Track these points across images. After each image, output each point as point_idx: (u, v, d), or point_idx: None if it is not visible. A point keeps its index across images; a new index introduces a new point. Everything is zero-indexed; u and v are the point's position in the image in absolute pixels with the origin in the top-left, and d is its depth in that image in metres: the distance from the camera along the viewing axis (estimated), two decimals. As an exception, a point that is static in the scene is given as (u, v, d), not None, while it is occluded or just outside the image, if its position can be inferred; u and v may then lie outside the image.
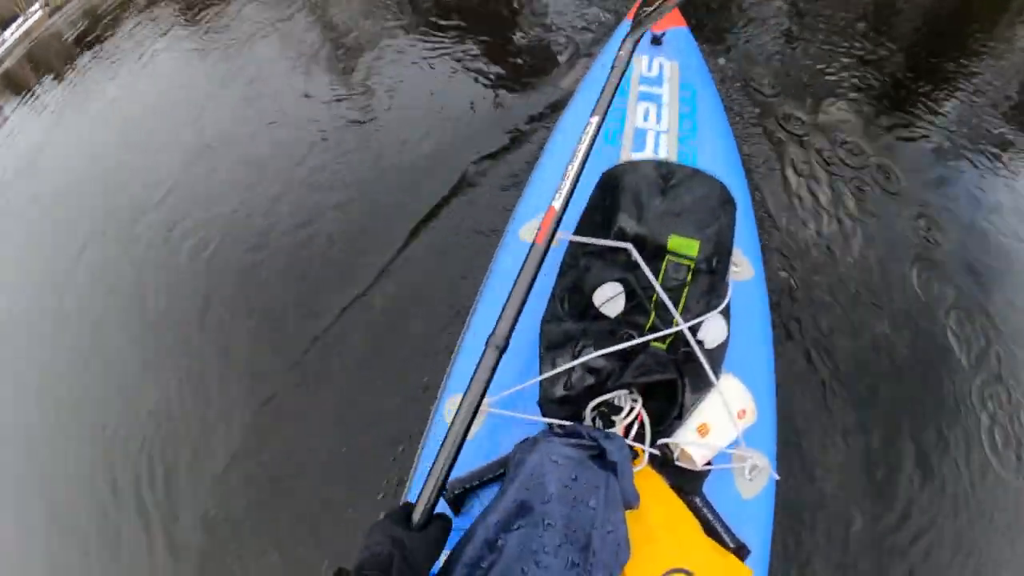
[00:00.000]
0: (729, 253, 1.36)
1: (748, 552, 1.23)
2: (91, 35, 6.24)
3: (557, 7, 3.52)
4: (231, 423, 2.06)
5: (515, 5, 3.67)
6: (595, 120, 1.28)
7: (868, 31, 3.17)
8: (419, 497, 0.98)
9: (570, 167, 1.22)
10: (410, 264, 2.24)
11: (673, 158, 1.73)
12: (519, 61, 3.16)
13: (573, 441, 1.09)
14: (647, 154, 1.75)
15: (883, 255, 2.18)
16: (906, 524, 1.72)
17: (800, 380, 1.86)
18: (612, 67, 1.41)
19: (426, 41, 3.48)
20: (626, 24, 2.33)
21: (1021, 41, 3.18)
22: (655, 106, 1.89)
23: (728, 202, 1.37)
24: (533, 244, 1.15)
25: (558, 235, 1.36)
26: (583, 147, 1.23)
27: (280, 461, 1.94)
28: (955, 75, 2.95)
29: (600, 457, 1.08)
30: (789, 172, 2.37)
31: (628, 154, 1.76)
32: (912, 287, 2.11)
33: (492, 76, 3.04)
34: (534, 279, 1.13)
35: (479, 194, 2.38)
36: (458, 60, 3.24)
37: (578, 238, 1.36)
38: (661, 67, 2.04)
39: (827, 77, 2.84)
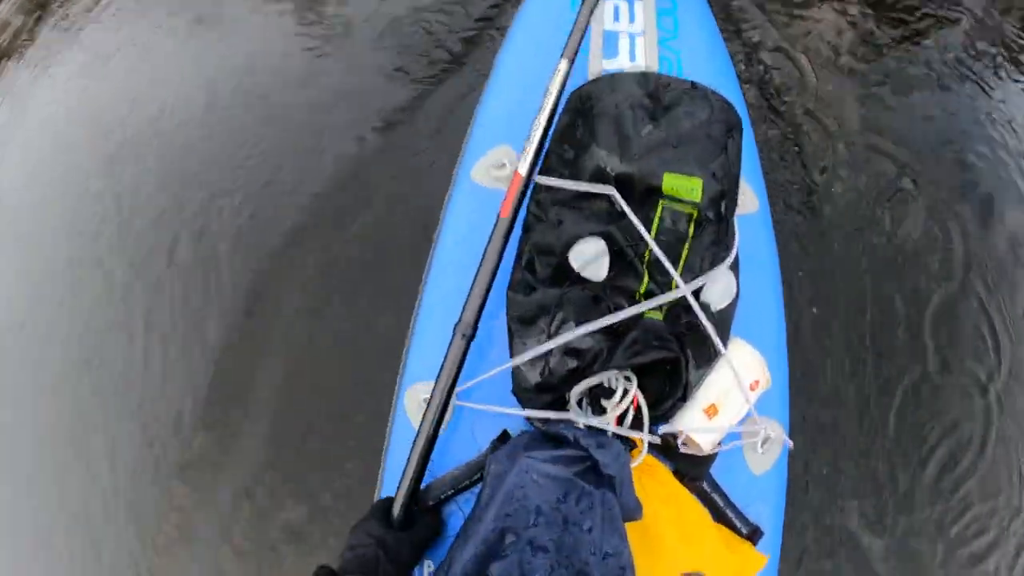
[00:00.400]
0: (737, 190, 1.10)
1: (762, 534, 1.08)
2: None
3: None
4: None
5: None
6: (564, 64, 1.08)
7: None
8: (395, 497, 0.97)
9: (536, 122, 1.05)
10: (349, 214, 1.89)
11: (653, 63, 1.43)
12: None
13: (558, 454, 0.88)
14: (621, 63, 1.44)
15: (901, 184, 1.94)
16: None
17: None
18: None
19: None
20: None
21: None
22: (627, 2, 1.55)
23: (735, 126, 1.10)
24: (498, 218, 1.02)
25: (520, 169, 1.09)
26: (550, 99, 1.05)
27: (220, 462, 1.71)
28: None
29: (593, 470, 0.87)
30: (784, 75, 2.05)
31: (598, 63, 1.45)
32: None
33: None
34: (501, 256, 1.01)
35: (413, 127, 1.99)
36: None
37: (545, 179, 1.08)
38: None
39: None
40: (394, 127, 1.97)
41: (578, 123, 1.09)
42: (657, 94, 1.08)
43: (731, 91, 1.49)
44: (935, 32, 2.22)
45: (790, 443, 1.13)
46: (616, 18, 1.52)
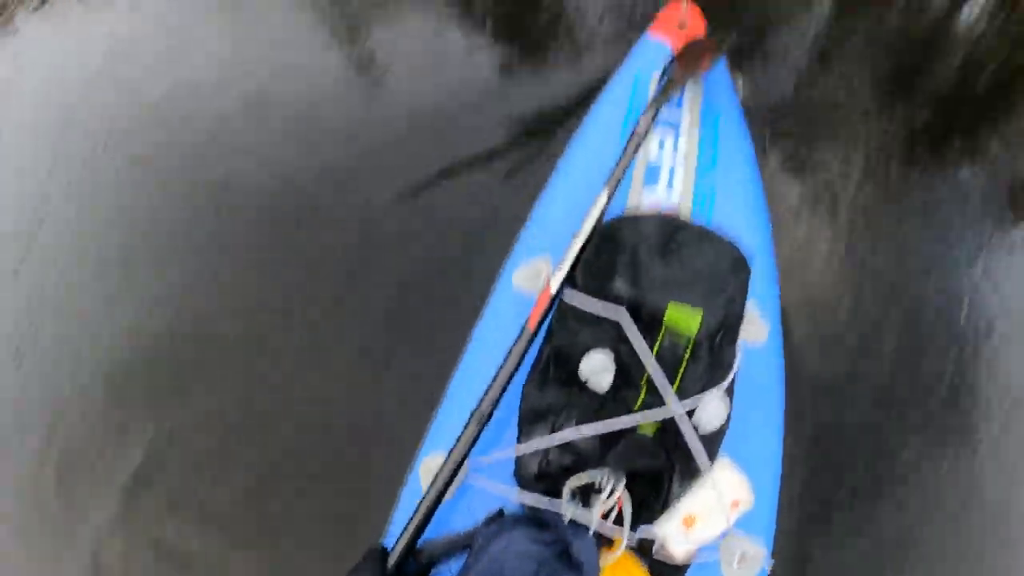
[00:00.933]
0: (738, 325, 1.24)
1: None
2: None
3: None
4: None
5: None
6: (603, 196, 1.27)
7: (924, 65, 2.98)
8: (394, 548, 1.08)
9: (571, 245, 1.23)
10: (398, 298, 2.10)
11: (688, 196, 1.61)
12: (537, 42, 2.97)
13: (540, 536, 1.01)
14: (659, 189, 1.63)
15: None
16: None
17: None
18: (628, 139, 1.38)
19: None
20: (644, 39, 2.17)
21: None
22: (672, 136, 1.74)
23: (741, 268, 1.24)
24: (524, 328, 1.19)
25: (552, 286, 1.27)
26: (587, 225, 1.24)
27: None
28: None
29: (567, 555, 1.00)
30: (818, 216, 2.20)
31: (639, 188, 1.63)
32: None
33: (501, 54, 2.83)
34: (522, 360, 1.18)
35: (477, 216, 2.21)
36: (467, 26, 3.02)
37: (570, 295, 1.26)
38: (682, 91, 1.89)
39: (872, 110, 2.66)
40: (454, 220, 2.20)
41: (603, 251, 1.27)
42: (673, 235, 1.25)
43: (760, 228, 1.65)
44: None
45: (770, 563, 1.21)
46: (661, 149, 1.72)
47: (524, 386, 1.24)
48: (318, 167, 2.44)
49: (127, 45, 3.51)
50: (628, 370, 1.17)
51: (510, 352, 1.18)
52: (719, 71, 2.00)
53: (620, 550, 1.11)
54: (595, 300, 1.22)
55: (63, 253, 2.41)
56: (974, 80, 3.53)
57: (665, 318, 1.17)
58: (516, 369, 1.17)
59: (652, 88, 1.88)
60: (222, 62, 3.00)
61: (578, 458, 1.12)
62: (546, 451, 1.13)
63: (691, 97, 1.87)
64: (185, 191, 2.51)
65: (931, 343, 2.05)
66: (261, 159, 2.52)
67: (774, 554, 1.24)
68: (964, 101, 3.30)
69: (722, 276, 1.21)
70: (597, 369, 1.17)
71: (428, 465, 1.27)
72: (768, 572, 1.22)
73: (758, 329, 1.43)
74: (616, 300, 1.20)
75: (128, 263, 2.32)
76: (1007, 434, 1.88)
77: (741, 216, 1.61)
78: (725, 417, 1.19)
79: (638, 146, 1.45)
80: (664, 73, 1.85)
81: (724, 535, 1.16)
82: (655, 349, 1.17)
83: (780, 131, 2.55)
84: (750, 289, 1.31)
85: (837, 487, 1.75)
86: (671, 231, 1.26)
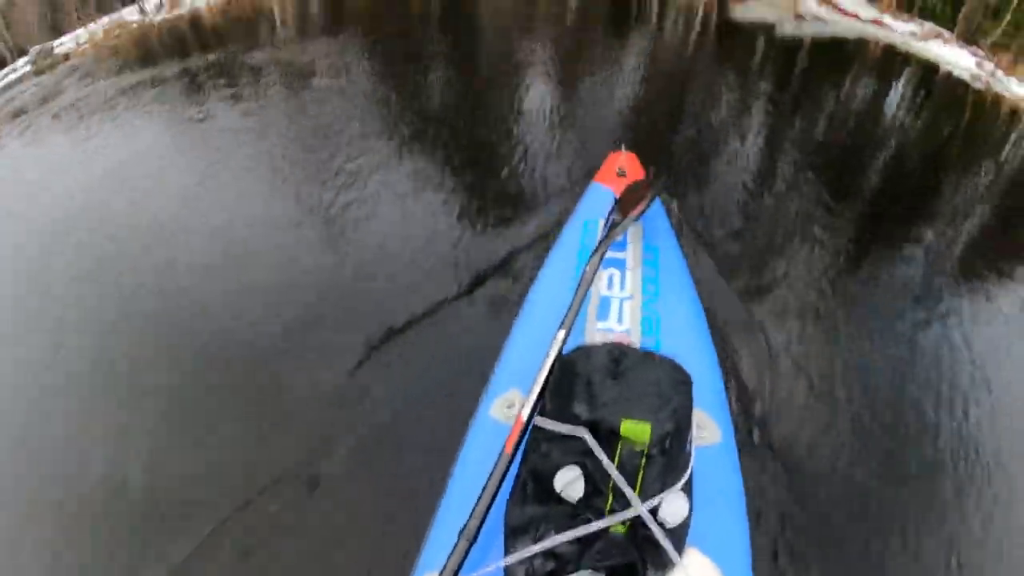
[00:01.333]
0: (686, 428, 1.45)
1: None
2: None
3: (547, 144, 3.90)
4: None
5: (503, 142, 4.07)
6: (561, 334, 1.51)
7: (843, 190, 3.53)
8: None
9: (537, 378, 1.42)
10: (381, 434, 2.30)
11: (636, 326, 1.88)
12: (498, 196, 3.43)
13: None
14: (611, 322, 1.90)
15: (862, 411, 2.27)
16: None
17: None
18: (579, 281, 1.64)
19: (406, 161, 3.79)
20: (595, 186, 2.56)
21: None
22: (619, 272, 2.05)
23: (682, 382, 1.48)
24: (502, 452, 1.38)
25: (523, 414, 1.49)
26: (548, 361, 1.44)
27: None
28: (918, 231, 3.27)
29: None
30: (756, 331, 2.49)
31: (593, 321, 1.91)
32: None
33: (466, 209, 3.28)
34: (502, 482, 1.34)
35: (452, 354, 2.48)
36: (436, 186, 3.50)
37: (540, 421, 1.48)
38: (626, 258, 2.20)
39: (792, 237, 3.10)
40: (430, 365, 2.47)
41: (565, 381, 1.50)
42: (621, 361, 1.50)
43: (703, 345, 1.91)
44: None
45: None
46: (609, 286, 2.01)
47: (507, 504, 1.41)
48: (292, 316, 2.72)
49: (101, 179, 4.04)
50: (595, 480, 1.36)
51: (491, 475, 1.37)
52: (656, 210, 2.36)
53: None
54: (561, 423, 1.43)
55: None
56: (901, 173, 4.11)
57: (621, 432, 1.38)
58: (498, 489, 1.35)
59: (600, 231, 2.22)
60: (192, 206, 3.43)
61: (560, 562, 1.28)
62: (531, 559, 1.29)
63: (633, 236, 2.20)
64: (148, 338, 2.80)
65: (887, 431, 2.25)
66: (231, 307, 2.82)
67: None
68: (894, 195, 3.80)
69: (665, 391, 1.44)
70: (569, 482, 1.36)
71: None
72: None
73: (712, 432, 1.64)
74: (578, 421, 1.42)
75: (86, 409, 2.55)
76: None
77: (685, 337, 1.87)
78: (687, 512, 1.37)
79: (588, 287, 1.73)
80: (608, 218, 2.21)
81: None
82: (616, 460, 1.37)
83: (725, 254, 2.90)
84: (699, 399, 1.54)
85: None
86: (619, 358, 1.51)
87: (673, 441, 1.40)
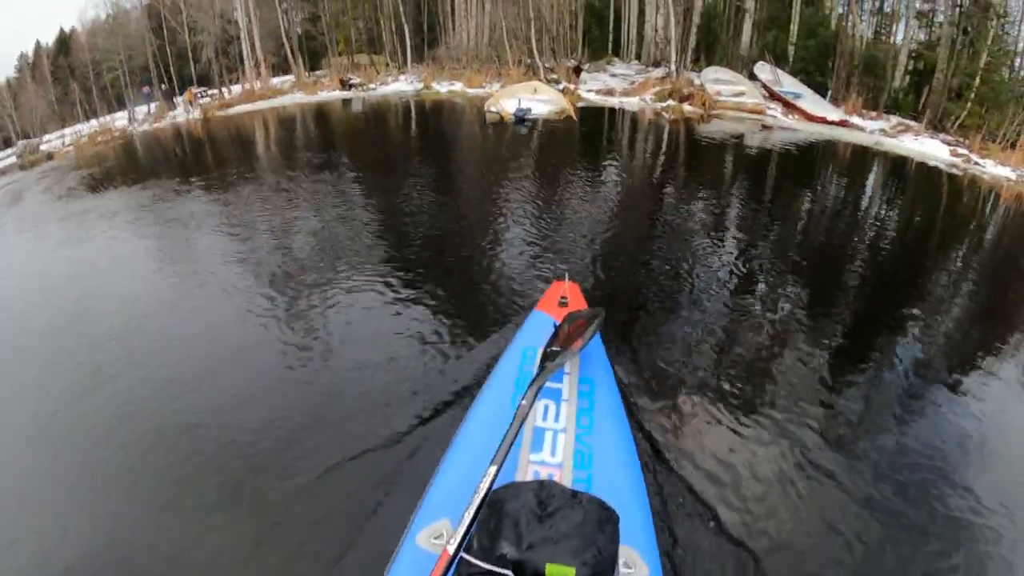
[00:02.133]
0: (612, 570, 1.44)
1: None
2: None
3: (504, 276, 4.05)
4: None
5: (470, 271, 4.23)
6: (492, 470, 1.52)
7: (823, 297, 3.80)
8: None
9: (466, 514, 1.45)
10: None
11: (568, 459, 1.90)
12: (454, 323, 3.50)
13: None
14: (544, 454, 1.92)
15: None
16: None
17: None
18: (514, 416, 1.67)
19: (374, 291, 3.88)
20: (536, 314, 2.65)
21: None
22: (554, 404, 2.09)
23: (608, 521, 1.48)
24: None
25: (450, 548, 1.46)
26: (478, 497, 1.43)
27: None
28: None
29: None
30: (687, 463, 2.55)
31: (526, 453, 1.92)
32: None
33: (415, 334, 3.36)
34: None
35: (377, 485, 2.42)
36: (397, 313, 3.58)
37: (466, 557, 1.44)
38: (563, 388, 2.25)
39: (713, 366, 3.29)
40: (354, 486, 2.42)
41: (492, 518, 1.49)
42: (546, 501, 1.50)
43: (634, 480, 1.93)
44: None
45: None
46: (544, 416, 2.04)
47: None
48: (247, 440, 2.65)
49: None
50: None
51: None
52: (595, 342, 2.44)
53: None
54: (486, 564, 1.41)
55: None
56: (883, 268, 4.67)
57: (547, 574, 1.37)
58: None
59: (538, 360, 2.27)
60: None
61: None
62: None
63: (571, 367, 2.26)
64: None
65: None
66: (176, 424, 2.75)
67: None
68: (876, 295, 4.03)
69: (590, 533, 1.44)
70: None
71: None
72: None
73: (640, 570, 1.63)
74: (505, 563, 1.39)
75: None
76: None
77: (616, 472, 1.89)
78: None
79: (522, 422, 1.76)
80: (546, 349, 2.26)
81: None
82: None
83: (659, 391, 3.00)
84: (628, 536, 1.55)
85: None
86: (546, 499, 1.51)
87: (598, 582, 1.39)
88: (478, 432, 1.97)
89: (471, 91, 15.60)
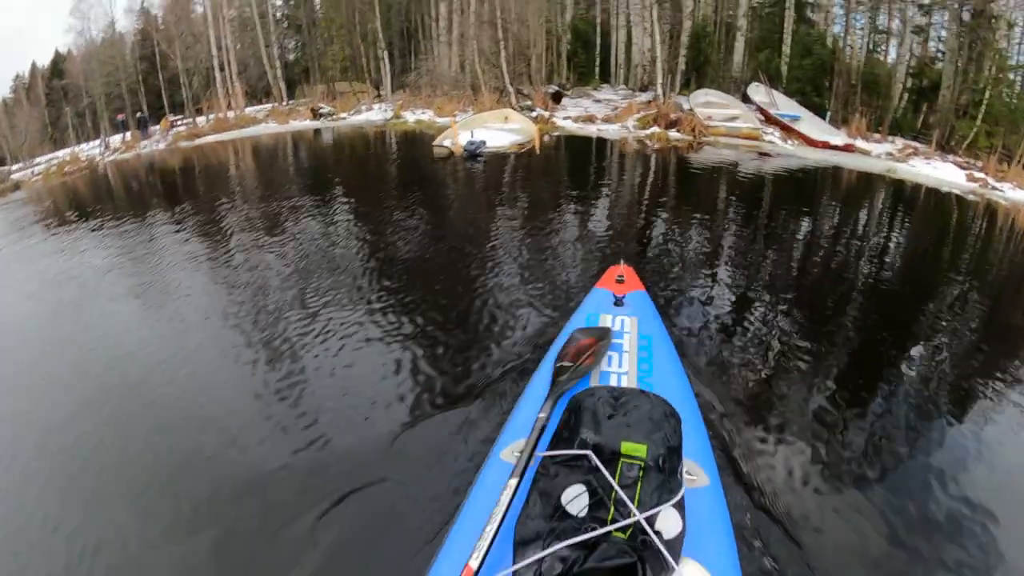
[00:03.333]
0: (677, 455, 1.62)
1: None
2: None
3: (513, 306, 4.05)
4: None
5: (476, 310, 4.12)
6: (513, 482, 1.64)
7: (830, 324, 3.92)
8: None
9: (487, 528, 1.53)
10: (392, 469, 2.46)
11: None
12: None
13: None
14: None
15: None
16: None
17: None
18: (532, 427, 1.86)
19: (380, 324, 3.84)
20: (596, 290, 2.89)
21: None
22: (617, 354, 2.31)
23: (671, 415, 1.68)
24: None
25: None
26: (500, 510, 1.56)
27: None
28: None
29: None
30: (738, 405, 2.70)
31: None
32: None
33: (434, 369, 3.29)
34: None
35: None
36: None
37: (549, 452, 1.65)
38: (623, 322, 2.52)
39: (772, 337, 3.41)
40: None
41: (572, 416, 1.71)
42: (619, 396, 1.71)
43: (688, 405, 2.12)
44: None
45: None
46: (609, 363, 2.26)
47: (516, 522, 1.54)
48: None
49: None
50: (599, 494, 1.51)
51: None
52: (650, 308, 2.67)
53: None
54: (569, 449, 1.62)
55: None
56: (895, 294, 4.60)
57: (621, 451, 1.56)
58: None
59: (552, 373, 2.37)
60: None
61: (566, 565, 1.39)
62: (539, 563, 1.40)
63: (630, 326, 2.49)
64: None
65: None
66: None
67: None
68: (887, 320, 4.01)
69: (658, 420, 1.64)
70: (575, 498, 1.51)
71: None
72: None
73: (701, 478, 1.80)
74: (584, 446, 1.60)
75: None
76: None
77: (676, 402, 2.08)
78: (680, 527, 1.49)
79: (541, 431, 1.87)
80: (558, 365, 2.35)
81: None
82: (616, 476, 1.53)
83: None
84: (689, 450, 1.73)
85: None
86: (619, 394, 1.72)
87: (666, 462, 1.57)
88: (544, 377, 2.20)
89: (440, 120, 14.46)
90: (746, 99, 14.14)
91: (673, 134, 12.05)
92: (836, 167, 10.06)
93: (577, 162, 10.48)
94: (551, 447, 1.70)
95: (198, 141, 16.43)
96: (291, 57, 21.95)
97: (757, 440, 2.56)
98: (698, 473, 1.79)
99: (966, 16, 12.82)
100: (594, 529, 1.45)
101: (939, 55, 13.90)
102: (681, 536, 1.49)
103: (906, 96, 14.07)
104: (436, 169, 9.73)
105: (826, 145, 11.35)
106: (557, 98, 16.04)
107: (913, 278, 5.33)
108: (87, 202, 10.42)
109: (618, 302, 2.66)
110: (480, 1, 17.18)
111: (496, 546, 1.50)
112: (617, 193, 7.93)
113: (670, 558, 1.40)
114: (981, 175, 9.97)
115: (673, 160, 10.34)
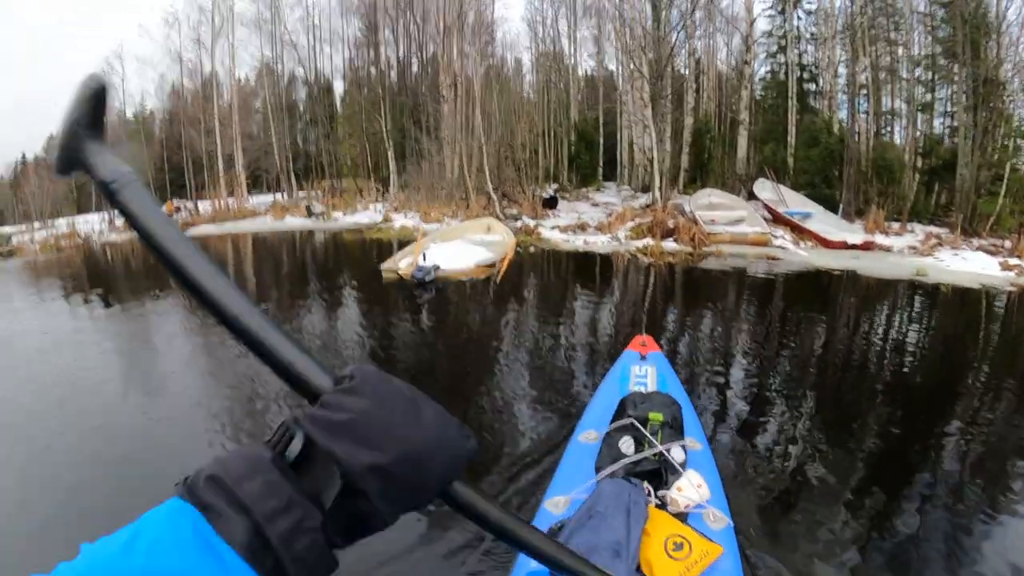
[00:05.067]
0: (679, 422, 2.91)
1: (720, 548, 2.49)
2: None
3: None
4: None
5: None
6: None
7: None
8: None
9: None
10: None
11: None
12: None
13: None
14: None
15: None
16: None
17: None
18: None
19: None
20: (625, 352, 4.23)
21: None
22: (646, 381, 3.65)
23: (674, 403, 2.99)
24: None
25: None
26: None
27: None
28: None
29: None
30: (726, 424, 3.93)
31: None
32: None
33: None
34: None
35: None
36: None
37: (612, 425, 2.97)
38: (647, 371, 3.83)
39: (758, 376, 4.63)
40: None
41: (622, 405, 3.02)
42: (647, 395, 3.05)
43: (687, 406, 3.41)
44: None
45: (731, 522, 2.61)
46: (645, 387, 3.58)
47: (595, 462, 2.82)
48: None
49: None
50: (640, 440, 2.80)
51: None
52: (663, 359, 4.00)
53: (652, 503, 2.57)
54: (620, 421, 2.93)
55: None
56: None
57: (649, 417, 2.87)
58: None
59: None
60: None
61: (625, 475, 2.67)
62: (610, 474, 2.68)
63: (651, 373, 3.82)
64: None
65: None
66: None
67: (734, 516, 2.64)
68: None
69: (667, 404, 2.96)
70: (626, 443, 2.81)
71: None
72: (734, 528, 2.61)
73: (696, 445, 3.06)
74: (629, 417, 2.91)
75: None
76: None
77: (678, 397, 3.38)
78: (683, 456, 2.77)
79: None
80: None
81: (703, 507, 2.62)
82: (648, 429, 2.83)
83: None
84: (689, 431, 3.02)
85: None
86: (646, 395, 3.05)
87: (674, 423, 2.88)
88: (600, 401, 3.53)
89: (426, 226, 13.79)
90: (751, 197, 13.27)
91: (669, 245, 10.84)
92: (855, 272, 9.02)
93: (547, 293, 9.13)
94: (611, 423, 3.01)
95: (190, 232, 15.84)
96: (311, 148, 22.09)
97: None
98: (695, 443, 3.07)
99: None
100: (637, 454, 2.74)
101: (948, 131, 13.00)
102: (684, 462, 2.77)
103: (917, 177, 13.15)
104: (372, 299, 8.47)
105: (843, 245, 10.44)
106: (551, 203, 15.20)
107: (952, 389, 5.13)
108: (72, 278, 11.61)
109: (642, 357, 4.01)
110: (470, 106, 16.54)
111: (584, 475, 2.77)
112: (579, 339, 6.72)
113: (679, 467, 2.68)
114: (1016, 261, 9.38)
115: (668, 277, 9.38)
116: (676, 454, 2.77)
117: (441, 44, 17.65)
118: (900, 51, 13.74)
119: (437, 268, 8.93)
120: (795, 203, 12.55)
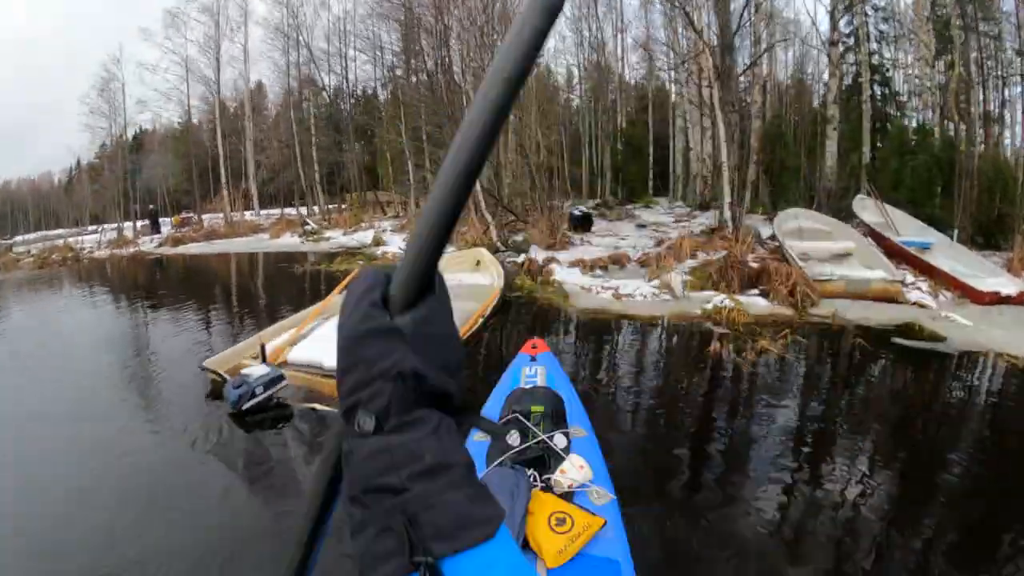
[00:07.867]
0: (561, 413, 3.11)
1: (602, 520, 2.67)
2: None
3: None
4: None
5: None
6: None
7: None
8: None
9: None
10: None
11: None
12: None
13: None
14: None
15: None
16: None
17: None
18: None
19: None
20: (518, 355, 4.42)
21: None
22: (535, 378, 3.84)
23: (556, 396, 3.19)
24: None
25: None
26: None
27: None
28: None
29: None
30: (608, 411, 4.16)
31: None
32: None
33: None
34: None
35: None
36: None
37: (500, 420, 3.12)
38: (536, 371, 4.03)
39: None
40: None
41: (507, 401, 3.19)
42: (532, 390, 3.23)
43: (573, 398, 3.63)
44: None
45: (615, 496, 2.81)
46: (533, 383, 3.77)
47: (486, 455, 2.96)
48: None
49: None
50: (525, 431, 2.97)
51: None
52: (552, 359, 4.22)
53: (537, 487, 2.73)
54: (505, 416, 3.09)
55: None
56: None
57: (531, 410, 3.05)
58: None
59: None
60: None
61: (511, 464, 2.83)
62: (499, 464, 2.83)
63: (540, 372, 4.03)
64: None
65: None
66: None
67: (618, 492, 2.85)
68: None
69: (549, 397, 3.15)
70: (513, 435, 2.97)
71: None
72: (617, 501, 2.81)
73: (581, 432, 3.27)
74: (514, 412, 3.07)
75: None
76: None
77: (567, 396, 3.59)
78: (566, 443, 2.96)
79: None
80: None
81: (587, 486, 2.81)
82: (531, 421, 3.01)
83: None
84: (574, 420, 3.23)
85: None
86: (530, 390, 3.24)
87: (555, 415, 3.08)
88: (496, 398, 3.68)
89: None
90: (848, 217, 9.58)
91: (758, 301, 6.40)
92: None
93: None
94: (499, 419, 3.16)
95: (179, 248, 16.08)
96: (344, 159, 21.25)
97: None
98: (580, 431, 3.28)
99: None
100: (523, 444, 2.91)
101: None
102: (567, 447, 2.96)
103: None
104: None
105: (996, 298, 6.61)
106: (584, 223, 11.46)
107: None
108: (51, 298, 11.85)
109: (533, 358, 4.22)
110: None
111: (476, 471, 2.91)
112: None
113: (561, 453, 2.87)
114: None
115: (770, 399, 5.21)
116: (559, 441, 2.96)
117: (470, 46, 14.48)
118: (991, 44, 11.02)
119: (280, 381, 5.13)
120: (906, 228, 8.72)
